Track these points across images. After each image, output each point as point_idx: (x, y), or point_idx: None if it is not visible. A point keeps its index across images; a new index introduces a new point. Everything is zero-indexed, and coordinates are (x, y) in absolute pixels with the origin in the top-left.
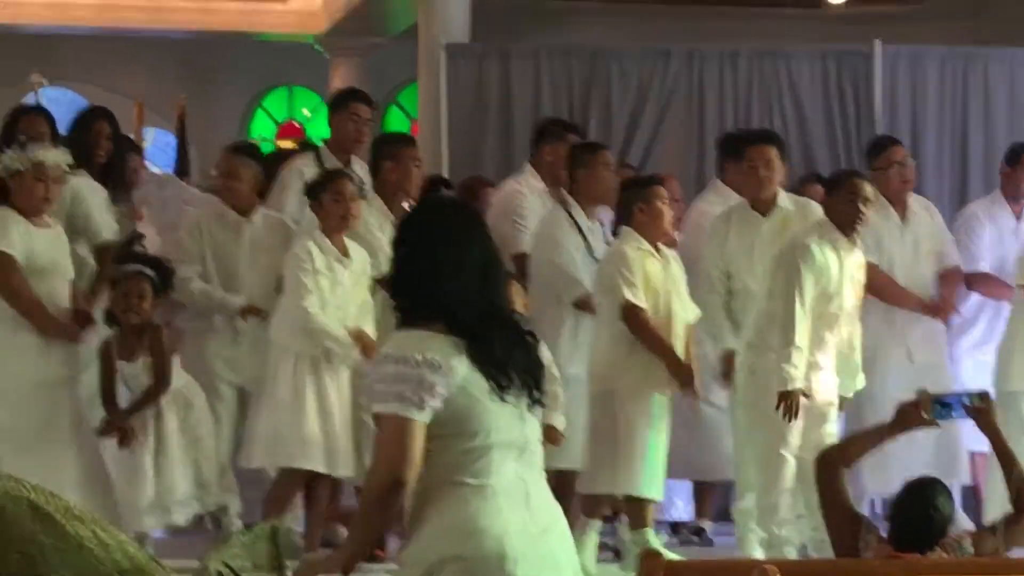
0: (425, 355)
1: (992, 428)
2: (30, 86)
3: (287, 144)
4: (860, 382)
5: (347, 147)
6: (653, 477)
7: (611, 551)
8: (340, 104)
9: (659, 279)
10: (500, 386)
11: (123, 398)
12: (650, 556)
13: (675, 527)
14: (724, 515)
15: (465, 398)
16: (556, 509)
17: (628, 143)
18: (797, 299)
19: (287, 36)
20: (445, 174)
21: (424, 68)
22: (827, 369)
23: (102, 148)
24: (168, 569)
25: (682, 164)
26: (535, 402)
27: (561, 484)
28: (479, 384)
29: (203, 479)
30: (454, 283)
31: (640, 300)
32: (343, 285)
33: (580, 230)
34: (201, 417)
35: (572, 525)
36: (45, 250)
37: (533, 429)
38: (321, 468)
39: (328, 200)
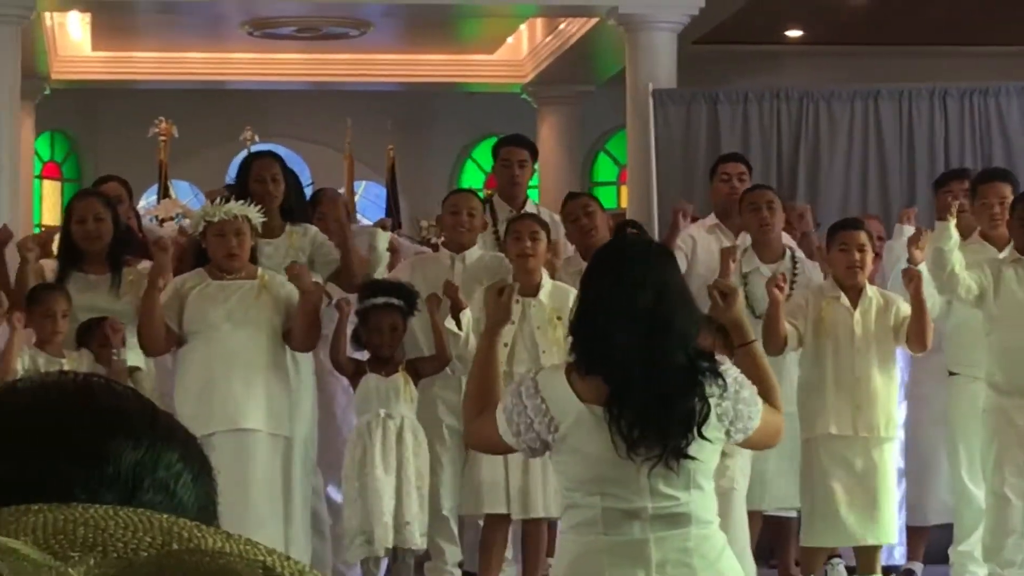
0: (543, 396)
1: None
2: (242, 143)
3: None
4: None
5: (504, 192)
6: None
7: None
8: (493, 155)
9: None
10: (626, 444)
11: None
12: None
13: (886, 572)
14: (933, 558)
15: (576, 451)
16: (697, 570)
17: (837, 184)
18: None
19: (494, 86)
20: (655, 220)
21: (632, 114)
22: None
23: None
24: None
25: (893, 204)
26: (676, 455)
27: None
28: (600, 440)
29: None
30: (615, 331)
31: None
32: (517, 325)
33: None
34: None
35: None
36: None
37: (670, 489)
38: (515, 513)
39: (510, 241)
